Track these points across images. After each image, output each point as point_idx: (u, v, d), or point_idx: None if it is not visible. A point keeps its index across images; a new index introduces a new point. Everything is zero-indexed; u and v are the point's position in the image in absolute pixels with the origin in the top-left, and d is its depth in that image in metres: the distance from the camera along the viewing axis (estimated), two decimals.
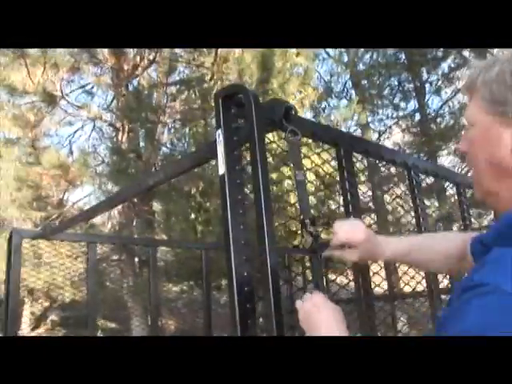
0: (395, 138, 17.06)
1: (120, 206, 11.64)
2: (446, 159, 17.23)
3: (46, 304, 19.27)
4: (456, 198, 2.35)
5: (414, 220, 1.96)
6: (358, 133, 16.07)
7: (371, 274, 1.78)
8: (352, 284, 1.83)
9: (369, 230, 1.22)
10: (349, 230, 1.21)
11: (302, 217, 1.22)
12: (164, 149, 11.31)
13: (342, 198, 1.57)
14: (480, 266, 0.79)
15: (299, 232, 1.26)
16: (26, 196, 10.75)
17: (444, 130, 14.57)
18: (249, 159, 1.17)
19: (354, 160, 1.78)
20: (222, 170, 1.18)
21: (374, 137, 16.28)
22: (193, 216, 11.48)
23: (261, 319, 1.33)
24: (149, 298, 3.55)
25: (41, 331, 14.78)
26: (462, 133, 0.96)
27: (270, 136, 1.73)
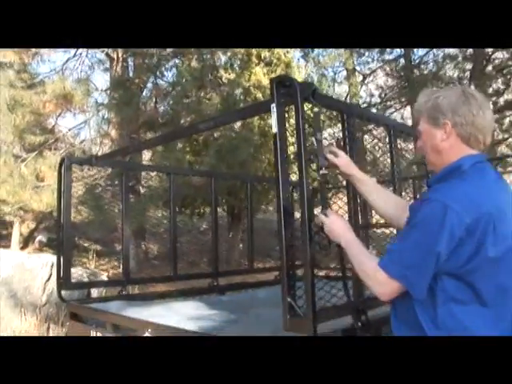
0: (379, 81, 17.59)
1: (114, 135, 12.13)
2: None
3: (33, 226, 19.80)
4: None
5: (390, 166, 2.65)
6: (343, 75, 16.56)
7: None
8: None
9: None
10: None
11: (319, 162, 1.94)
12: (160, 81, 11.64)
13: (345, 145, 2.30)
14: (429, 192, 1.56)
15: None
16: (23, 121, 11.03)
17: (426, 77, 15.08)
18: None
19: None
20: (275, 129, 1.85)
21: (358, 79, 16.79)
22: (180, 145, 12.06)
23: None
24: (170, 224, 4.18)
25: (29, 250, 15.24)
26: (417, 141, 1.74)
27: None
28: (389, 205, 1.91)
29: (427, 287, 1.47)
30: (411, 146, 3.44)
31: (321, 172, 1.90)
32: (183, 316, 2.87)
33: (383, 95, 16.85)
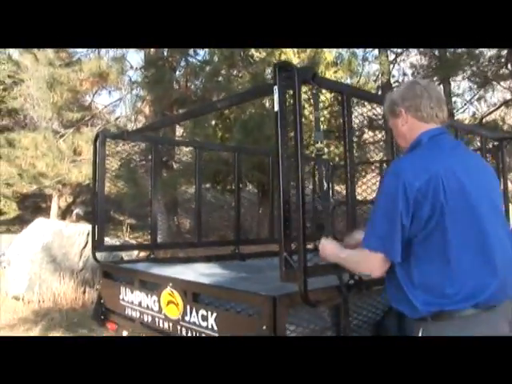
0: (412, 59, 17.44)
1: (147, 112, 12.53)
2: (458, 84, 17.79)
3: (70, 200, 20.50)
4: None
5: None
6: (376, 53, 16.46)
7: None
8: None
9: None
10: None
11: (315, 139, 2.22)
12: (192, 59, 11.91)
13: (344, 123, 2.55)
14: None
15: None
16: (61, 98, 11.51)
17: (461, 56, 14.82)
18: (291, 102, 2.15)
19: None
20: (276, 108, 2.13)
21: (390, 57, 16.67)
22: (213, 122, 12.36)
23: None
24: (195, 194, 4.49)
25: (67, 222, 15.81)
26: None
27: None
28: None
29: (403, 250, 1.73)
30: None
31: (317, 145, 2.18)
32: (201, 274, 3.22)
33: (416, 74, 16.70)
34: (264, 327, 2.14)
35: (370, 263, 1.79)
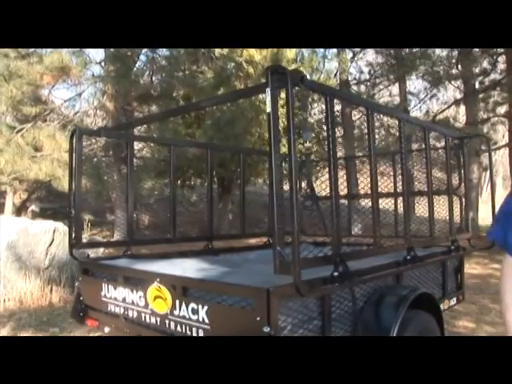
0: (369, 58, 17.89)
1: (110, 108, 12.36)
2: (412, 83, 18.40)
3: (24, 196, 19.92)
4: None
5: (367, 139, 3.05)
6: (334, 51, 16.81)
7: None
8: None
9: None
10: None
11: (304, 138, 2.35)
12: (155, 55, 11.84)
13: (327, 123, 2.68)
14: None
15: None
16: (20, 92, 11.20)
17: (415, 55, 15.32)
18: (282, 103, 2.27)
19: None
20: (269, 109, 2.24)
21: (348, 56, 17.07)
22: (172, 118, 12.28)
23: None
24: (170, 193, 4.53)
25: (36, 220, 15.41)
26: None
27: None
28: None
29: None
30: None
31: (305, 144, 2.31)
32: (186, 269, 3.30)
33: (372, 72, 17.17)
34: (258, 318, 2.24)
35: None
